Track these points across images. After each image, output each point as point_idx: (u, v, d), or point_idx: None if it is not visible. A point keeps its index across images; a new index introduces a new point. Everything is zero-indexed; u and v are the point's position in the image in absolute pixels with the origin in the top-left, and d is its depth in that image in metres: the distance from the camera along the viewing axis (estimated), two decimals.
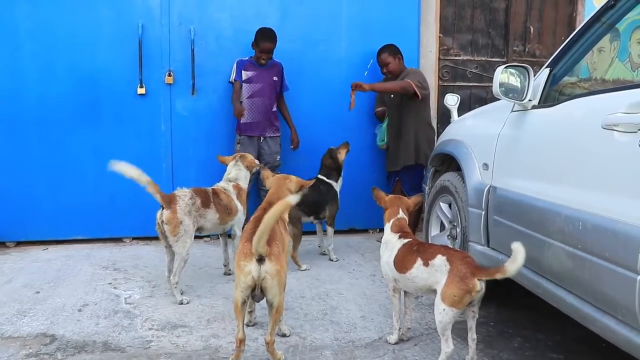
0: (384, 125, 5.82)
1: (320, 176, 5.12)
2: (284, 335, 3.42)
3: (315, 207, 5.03)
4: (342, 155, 5.22)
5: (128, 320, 3.67)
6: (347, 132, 5.97)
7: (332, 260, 5.06)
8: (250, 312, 3.55)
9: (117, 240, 5.69)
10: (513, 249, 2.72)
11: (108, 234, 5.67)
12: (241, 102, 5.49)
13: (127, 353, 3.20)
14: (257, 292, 2.93)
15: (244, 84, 5.47)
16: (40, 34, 5.30)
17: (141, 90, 5.49)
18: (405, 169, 5.58)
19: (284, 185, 3.50)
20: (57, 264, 4.87)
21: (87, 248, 5.42)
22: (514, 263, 2.72)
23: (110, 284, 4.38)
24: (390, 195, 3.57)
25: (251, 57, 5.51)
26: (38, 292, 4.14)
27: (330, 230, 5.14)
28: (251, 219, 3.18)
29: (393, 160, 5.68)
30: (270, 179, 3.60)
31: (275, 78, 5.59)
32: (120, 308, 3.87)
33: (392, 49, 5.59)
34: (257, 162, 4.72)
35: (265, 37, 5.37)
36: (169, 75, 5.54)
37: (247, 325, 3.47)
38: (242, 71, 5.45)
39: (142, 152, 5.48)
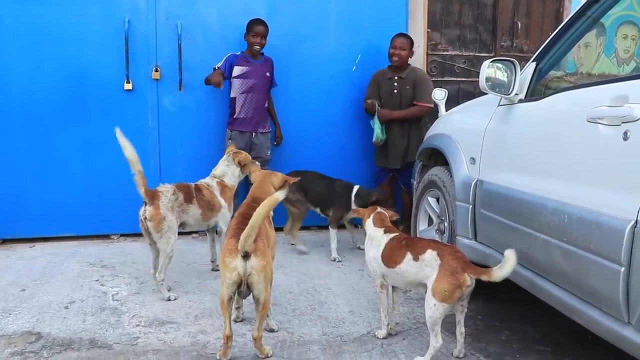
0: (377, 120, 5.67)
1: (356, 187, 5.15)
2: (271, 331, 3.42)
3: (322, 201, 5.19)
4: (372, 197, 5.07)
5: (115, 317, 3.66)
6: (335, 127, 6.01)
7: (334, 261, 5.00)
8: (237, 308, 3.55)
9: (105, 237, 5.66)
10: (505, 256, 2.75)
11: (96, 231, 5.63)
12: (235, 97, 5.49)
13: (114, 350, 3.19)
14: (243, 288, 2.93)
15: (237, 79, 5.45)
16: (25, 30, 5.24)
17: (128, 86, 5.45)
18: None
19: (268, 179, 3.50)
20: (43, 261, 4.84)
21: (74, 245, 5.39)
22: (502, 270, 2.76)
23: (97, 280, 4.36)
24: (366, 209, 3.61)
25: (243, 52, 5.50)
26: (24, 290, 4.12)
27: (331, 230, 5.15)
28: (236, 214, 3.18)
29: (395, 158, 5.65)
30: (256, 173, 3.62)
31: (267, 74, 5.58)
32: (108, 305, 3.86)
33: (411, 40, 5.60)
34: (252, 160, 4.69)
35: (256, 21, 5.38)
36: (156, 70, 5.51)
37: (235, 321, 3.48)
38: (235, 67, 5.42)
39: None
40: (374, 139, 5.64)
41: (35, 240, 5.47)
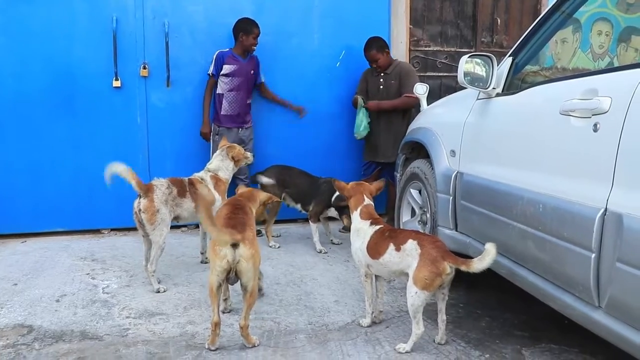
0: (363, 114, 5.72)
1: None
2: (260, 289, 3.70)
3: (303, 197, 5.24)
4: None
5: (106, 309, 3.71)
6: (320, 122, 6.07)
7: (320, 252, 5.07)
8: (225, 300, 3.62)
9: (96, 231, 5.72)
10: (486, 249, 2.84)
11: (86, 226, 5.69)
12: (222, 94, 5.56)
13: (105, 341, 3.24)
14: (231, 275, 3.03)
15: (225, 77, 5.53)
16: (14, 28, 5.28)
17: (117, 83, 5.51)
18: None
19: (256, 193, 3.67)
20: (35, 256, 4.89)
21: (66, 240, 5.44)
22: (481, 262, 2.84)
23: (88, 274, 4.42)
24: (351, 183, 3.63)
25: (231, 49, 5.56)
26: (16, 284, 4.17)
27: (312, 224, 5.21)
28: (224, 203, 3.29)
29: (385, 153, 5.73)
30: (241, 190, 3.75)
31: (252, 71, 5.66)
32: (98, 298, 3.92)
33: (379, 45, 5.62)
34: (248, 154, 4.77)
35: (254, 23, 5.48)
36: (144, 68, 5.57)
37: (223, 312, 3.55)
38: (224, 65, 5.50)
39: (118, 144, 5.52)
40: (354, 132, 5.72)
41: (27, 235, 5.51)
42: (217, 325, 3.08)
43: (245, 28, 5.47)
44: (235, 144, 4.82)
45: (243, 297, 3.11)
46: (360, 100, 5.66)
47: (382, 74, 5.69)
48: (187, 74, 5.68)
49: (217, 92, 5.60)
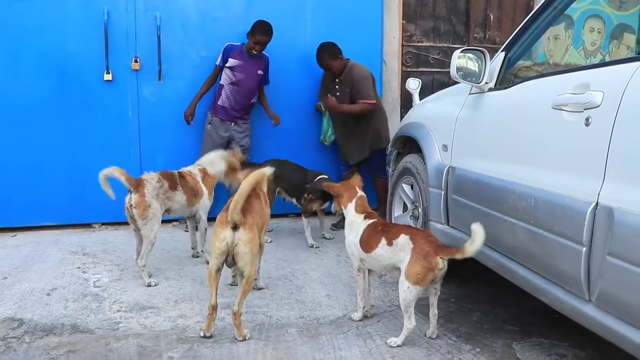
0: (327, 120, 5.86)
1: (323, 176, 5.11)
2: (260, 289, 3.88)
3: (297, 191, 5.24)
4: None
5: (96, 303, 3.70)
6: (312, 119, 6.07)
7: (311, 247, 5.08)
8: (234, 276, 3.76)
9: (87, 225, 5.69)
10: (473, 230, 2.83)
11: (77, 220, 5.66)
12: (222, 85, 5.55)
13: (96, 335, 3.23)
14: (229, 258, 3.06)
15: (228, 70, 5.52)
16: (5, 22, 5.25)
17: (108, 77, 5.48)
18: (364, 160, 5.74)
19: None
20: (25, 249, 4.86)
21: (57, 234, 5.42)
22: (473, 244, 2.83)
23: (79, 268, 4.40)
24: (339, 183, 3.67)
25: (243, 44, 5.55)
26: (5, 278, 4.15)
27: (304, 219, 5.20)
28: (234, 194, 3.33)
29: (349, 154, 5.78)
30: (244, 173, 3.77)
31: (260, 72, 5.63)
32: (89, 291, 3.90)
33: (330, 51, 5.53)
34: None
35: (262, 31, 5.41)
36: (135, 61, 5.54)
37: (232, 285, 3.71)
38: (229, 58, 5.50)
39: (110, 138, 5.51)
40: (321, 138, 5.88)
41: (18, 229, 5.47)
42: (214, 308, 3.11)
43: (252, 29, 5.43)
44: (238, 153, 4.80)
45: (239, 283, 3.15)
46: (322, 107, 5.74)
47: (337, 80, 5.64)
48: (178, 67, 5.66)
49: (220, 82, 5.60)
